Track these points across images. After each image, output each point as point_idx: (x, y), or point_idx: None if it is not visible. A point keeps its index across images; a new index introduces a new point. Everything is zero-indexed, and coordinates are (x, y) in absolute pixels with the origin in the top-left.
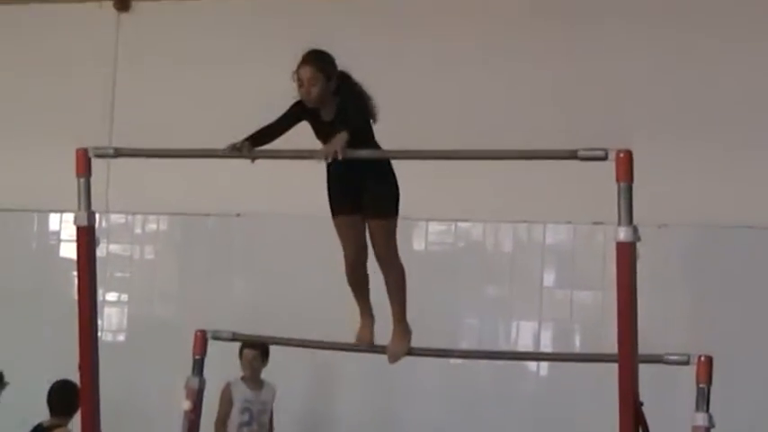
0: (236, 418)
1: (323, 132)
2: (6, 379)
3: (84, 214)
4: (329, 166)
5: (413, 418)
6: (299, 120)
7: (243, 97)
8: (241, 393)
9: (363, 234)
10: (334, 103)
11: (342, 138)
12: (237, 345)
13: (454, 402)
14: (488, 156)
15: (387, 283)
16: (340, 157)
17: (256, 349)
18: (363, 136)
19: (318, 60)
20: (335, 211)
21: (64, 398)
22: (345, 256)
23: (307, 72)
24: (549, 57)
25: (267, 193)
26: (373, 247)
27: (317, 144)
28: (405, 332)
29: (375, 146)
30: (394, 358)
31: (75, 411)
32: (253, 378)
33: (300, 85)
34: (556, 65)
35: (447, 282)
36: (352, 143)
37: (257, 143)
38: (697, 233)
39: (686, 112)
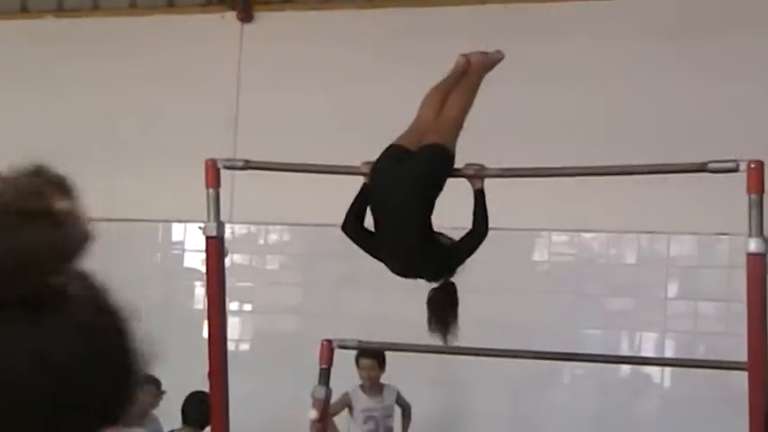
0: (359, 428)
1: None
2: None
3: (213, 225)
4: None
5: (539, 427)
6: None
7: (367, 111)
8: (361, 403)
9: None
10: None
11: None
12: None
13: (578, 413)
14: (619, 171)
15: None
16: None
17: (373, 358)
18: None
19: None
20: None
21: (198, 409)
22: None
23: None
24: (680, 72)
25: None
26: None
27: None
28: None
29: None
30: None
31: (207, 424)
32: (371, 386)
33: None
34: (686, 80)
35: (570, 293)
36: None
37: None
38: None
39: None
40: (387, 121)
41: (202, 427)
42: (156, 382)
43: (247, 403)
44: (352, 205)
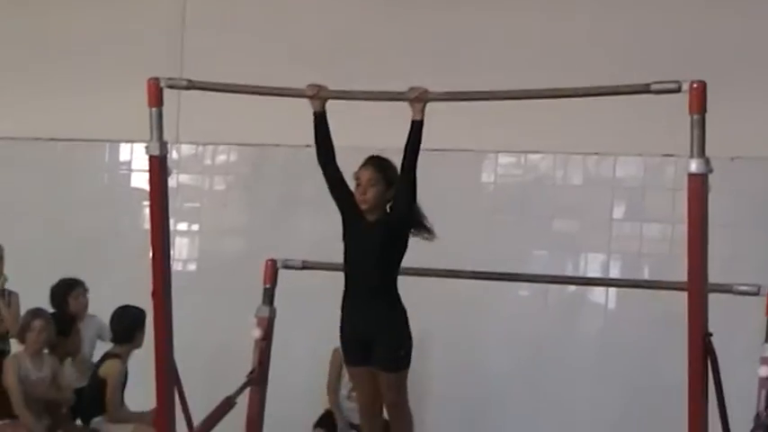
0: (345, 385)
1: (357, 229)
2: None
3: (156, 144)
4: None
5: (483, 346)
6: (346, 195)
7: (314, 31)
8: None
9: (376, 383)
10: (383, 212)
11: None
12: (306, 273)
13: (522, 333)
14: (564, 94)
15: (392, 429)
16: (425, 99)
17: None
18: (399, 233)
19: (381, 164)
20: (349, 361)
21: (121, 324)
22: (359, 403)
23: (367, 173)
24: None
25: (337, 126)
26: (383, 395)
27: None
28: None
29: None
30: None
31: (132, 338)
32: None
33: (358, 185)
34: (630, 3)
35: (516, 214)
36: (388, 237)
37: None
38: None
39: (761, 42)
40: (337, 44)
41: (128, 341)
42: (81, 284)
43: (194, 322)
44: (315, 139)
